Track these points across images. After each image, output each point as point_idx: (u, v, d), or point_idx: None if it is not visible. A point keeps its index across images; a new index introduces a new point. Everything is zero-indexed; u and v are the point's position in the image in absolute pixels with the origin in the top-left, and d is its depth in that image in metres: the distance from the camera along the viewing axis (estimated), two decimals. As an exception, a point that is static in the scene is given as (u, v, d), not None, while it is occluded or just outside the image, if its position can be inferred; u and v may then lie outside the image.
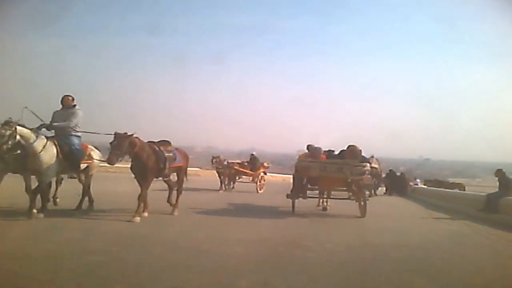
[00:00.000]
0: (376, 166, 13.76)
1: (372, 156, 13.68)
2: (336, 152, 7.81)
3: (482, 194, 9.92)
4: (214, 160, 11.67)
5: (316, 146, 7.77)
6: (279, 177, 28.14)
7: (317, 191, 7.92)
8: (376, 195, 14.07)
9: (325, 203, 8.25)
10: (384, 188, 17.45)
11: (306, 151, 7.99)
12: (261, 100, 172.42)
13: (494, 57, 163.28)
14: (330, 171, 7.07)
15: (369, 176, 8.37)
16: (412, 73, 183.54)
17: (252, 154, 13.03)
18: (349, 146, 7.46)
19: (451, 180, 23.76)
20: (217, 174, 12.08)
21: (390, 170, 18.95)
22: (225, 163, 11.84)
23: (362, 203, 7.29)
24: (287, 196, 7.53)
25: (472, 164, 70.42)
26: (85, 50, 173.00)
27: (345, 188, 7.53)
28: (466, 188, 19.93)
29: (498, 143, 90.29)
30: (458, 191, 18.21)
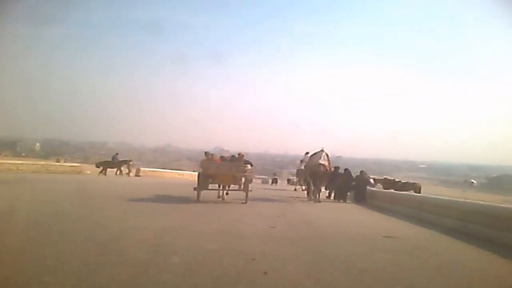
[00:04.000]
0: (325, 163, 12.11)
1: (322, 150, 12.53)
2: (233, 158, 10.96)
3: None
4: None
5: (211, 152, 11.33)
6: (187, 174, 23.08)
7: (217, 186, 10.51)
8: (317, 200, 11.65)
9: (224, 194, 10.53)
10: (331, 192, 13.85)
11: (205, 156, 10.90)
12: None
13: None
14: (222, 170, 10.00)
15: (251, 173, 11.02)
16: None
17: None
18: (239, 153, 10.83)
19: (400, 179, 20.72)
20: None
21: (335, 167, 14.72)
22: None
23: (246, 192, 9.73)
24: (194, 189, 9.71)
25: (379, 162, 75.39)
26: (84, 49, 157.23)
27: (235, 183, 10.23)
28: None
29: (403, 142, 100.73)
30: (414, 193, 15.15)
